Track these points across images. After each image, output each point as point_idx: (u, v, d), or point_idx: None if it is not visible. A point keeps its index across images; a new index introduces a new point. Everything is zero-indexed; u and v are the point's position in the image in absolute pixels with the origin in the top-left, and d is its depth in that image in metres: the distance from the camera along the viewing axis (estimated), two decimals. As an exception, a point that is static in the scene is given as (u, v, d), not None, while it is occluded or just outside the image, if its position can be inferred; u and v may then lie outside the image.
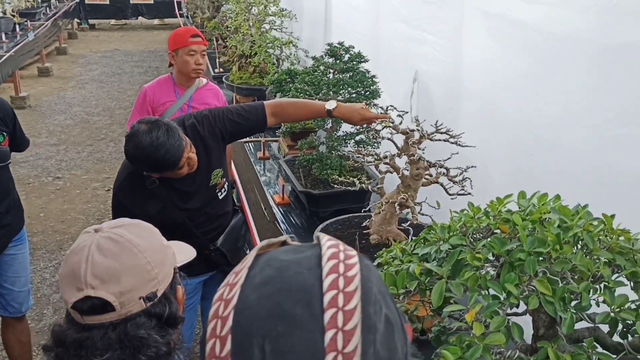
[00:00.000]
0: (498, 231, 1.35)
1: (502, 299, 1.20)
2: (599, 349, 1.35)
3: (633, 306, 1.22)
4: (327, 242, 0.67)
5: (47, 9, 13.04)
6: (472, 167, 2.41)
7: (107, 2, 16.60)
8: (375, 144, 3.23)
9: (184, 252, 1.39)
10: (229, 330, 0.61)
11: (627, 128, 1.94)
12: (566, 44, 2.20)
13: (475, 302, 1.19)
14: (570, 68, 2.20)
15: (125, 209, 2.44)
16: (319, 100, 3.08)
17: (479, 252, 1.25)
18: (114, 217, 2.54)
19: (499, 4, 2.55)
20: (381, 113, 2.55)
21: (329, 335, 0.58)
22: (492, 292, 1.23)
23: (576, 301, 1.18)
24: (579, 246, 1.25)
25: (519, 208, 1.36)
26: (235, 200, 3.25)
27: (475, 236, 1.34)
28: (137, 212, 2.45)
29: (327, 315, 0.59)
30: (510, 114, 2.58)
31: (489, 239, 1.28)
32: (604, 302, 1.18)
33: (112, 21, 17.28)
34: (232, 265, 2.81)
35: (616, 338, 1.30)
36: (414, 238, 1.60)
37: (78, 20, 16.35)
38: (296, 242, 0.73)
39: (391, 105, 2.49)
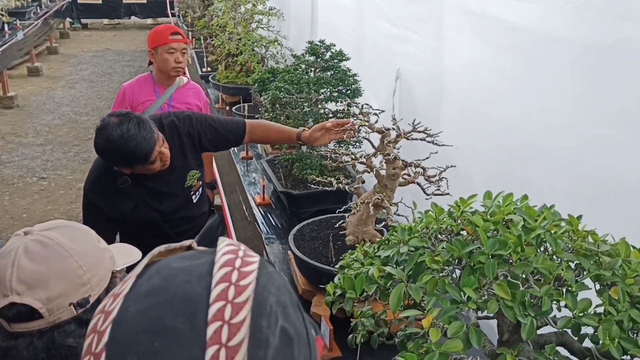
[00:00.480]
0: (465, 233, 1.30)
1: (460, 302, 1.14)
2: (567, 354, 1.30)
3: (599, 310, 1.17)
4: (225, 247, 0.61)
5: (38, 8, 12.98)
6: (451, 166, 2.37)
7: (100, 2, 16.56)
8: (357, 144, 3.18)
9: (127, 255, 1.33)
10: (104, 346, 0.55)
11: (607, 128, 1.89)
12: (546, 43, 2.15)
13: (433, 307, 1.14)
14: (550, 68, 2.16)
15: (96, 209, 2.38)
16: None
17: (438, 254, 1.20)
18: (85, 218, 2.47)
19: (480, 1, 2.51)
20: (355, 116, 2.50)
21: (210, 352, 0.53)
22: (452, 296, 1.18)
23: (536, 304, 1.13)
24: (542, 248, 1.20)
25: (484, 209, 1.31)
26: (212, 201, 3.19)
27: (439, 238, 1.29)
28: (109, 212, 2.39)
29: (210, 330, 0.54)
30: (491, 113, 2.53)
31: (448, 241, 1.23)
32: (566, 306, 1.13)
33: (105, 21, 17.21)
34: None
35: (588, 343, 1.26)
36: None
37: (70, 20, 16.27)
38: (201, 248, 0.67)
39: (366, 104, 2.44)
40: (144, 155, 2.17)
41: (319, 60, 3.25)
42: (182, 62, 3.28)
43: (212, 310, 0.54)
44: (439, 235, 1.32)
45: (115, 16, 16.88)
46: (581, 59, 1.98)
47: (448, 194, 2.32)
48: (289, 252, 2.72)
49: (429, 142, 2.33)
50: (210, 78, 5.76)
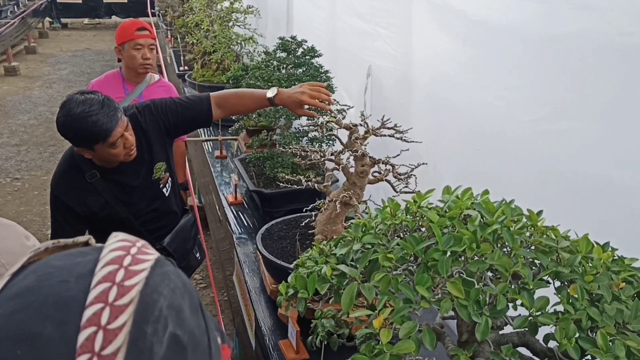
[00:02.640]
0: (398, 221, 1.24)
1: (413, 301, 1.09)
2: (528, 354, 1.25)
3: (559, 308, 1.12)
4: (115, 244, 0.54)
5: (15, 7, 12.78)
6: (423, 164, 2.32)
7: (80, 1, 16.35)
8: (330, 142, 3.13)
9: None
10: None
11: (572, 122, 1.86)
12: (510, 35, 2.11)
13: (384, 307, 1.09)
14: (514, 61, 2.12)
15: (64, 206, 2.30)
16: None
17: (391, 251, 1.15)
18: (53, 217, 2.38)
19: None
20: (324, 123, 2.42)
21: None
22: (405, 295, 1.13)
23: (491, 303, 1.08)
24: (500, 245, 1.15)
25: (442, 204, 1.26)
26: (186, 202, 3.11)
27: (392, 232, 1.24)
28: (77, 208, 2.31)
29: (82, 336, 0.47)
30: (458, 108, 2.49)
31: (404, 238, 1.18)
32: (522, 305, 1.08)
33: (85, 20, 17.01)
34: (179, 268, 2.70)
35: (553, 343, 1.21)
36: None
37: (50, 19, 16.07)
38: (98, 245, 0.60)
39: (335, 100, 2.38)
40: (104, 132, 2.08)
41: (290, 56, 3.19)
42: (149, 58, 3.19)
43: (87, 313, 0.48)
44: (397, 232, 1.27)
45: (95, 16, 16.68)
46: (545, 51, 1.94)
47: (418, 191, 2.27)
48: (259, 252, 2.67)
49: (397, 138, 2.29)
50: (186, 77, 5.68)
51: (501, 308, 1.05)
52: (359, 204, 2.27)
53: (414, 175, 2.23)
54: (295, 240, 2.40)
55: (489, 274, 1.13)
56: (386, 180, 2.35)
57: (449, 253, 1.11)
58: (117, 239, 0.55)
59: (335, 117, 2.30)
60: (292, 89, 2.41)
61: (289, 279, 1.33)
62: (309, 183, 2.49)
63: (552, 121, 1.89)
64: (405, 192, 2.28)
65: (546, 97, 1.94)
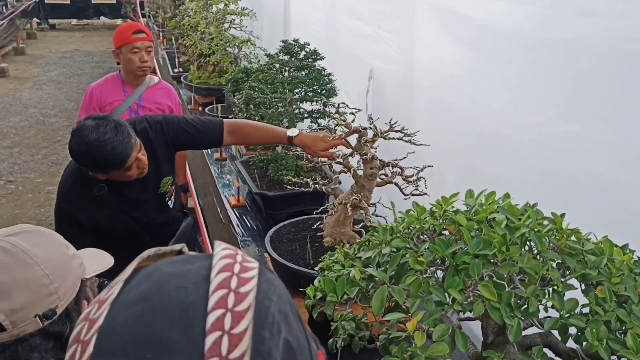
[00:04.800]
0: (447, 232, 1.26)
1: (446, 305, 1.11)
2: (552, 355, 1.28)
3: (585, 310, 1.14)
4: (222, 252, 0.57)
5: (4, 8, 12.67)
6: (428, 166, 2.35)
7: (68, 2, 16.24)
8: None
9: (98, 261, 1.25)
10: (89, 357, 0.50)
11: (573, 125, 1.89)
12: (515, 40, 2.14)
13: (418, 309, 1.11)
14: (517, 64, 2.15)
15: (71, 219, 2.30)
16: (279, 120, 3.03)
17: (421, 255, 1.16)
18: (58, 229, 2.37)
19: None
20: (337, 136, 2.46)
21: None
22: (436, 298, 1.15)
23: (524, 306, 1.10)
24: (527, 247, 1.17)
25: (466, 207, 1.28)
26: (185, 204, 3.11)
27: (421, 238, 1.26)
28: (85, 221, 2.31)
29: (209, 341, 0.49)
30: (462, 111, 2.52)
31: (431, 241, 1.19)
32: (552, 307, 1.10)
33: (74, 21, 16.89)
34: None
35: (572, 343, 1.23)
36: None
37: (38, 20, 15.94)
38: (193, 252, 0.62)
39: (343, 103, 2.40)
40: (120, 160, 2.10)
41: (293, 59, 3.20)
42: (147, 60, 3.19)
43: (211, 319, 0.50)
44: (422, 236, 1.29)
45: (83, 16, 16.58)
46: (550, 55, 1.98)
47: (425, 193, 2.30)
48: (265, 254, 2.67)
49: (406, 141, 2.31)
50: (182, 79, 5.67)
51: (533, 310, 1.07)
52: (369, 206, 2.29)
53: (423, 178, 2.25)
54: (305, 243, 2.41)
55: (518, 276, 1.15)
56: (394, 183, 2.37)
57: (479, 256, 1.13)
58: (222, 248, 0.57)
59: (344, 121, 2.32)
60: (315, 134, 2.50)
61: (316, 282, 1.34)
62: (316, 186, 2.51)
63: (556, 124, 1.93)
64: (414, 195, 2.31)
65: (551, 101, 1.97)
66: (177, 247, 0.62)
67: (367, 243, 1.41)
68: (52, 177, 6.19)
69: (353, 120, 2.36)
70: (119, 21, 16.52)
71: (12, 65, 11.26)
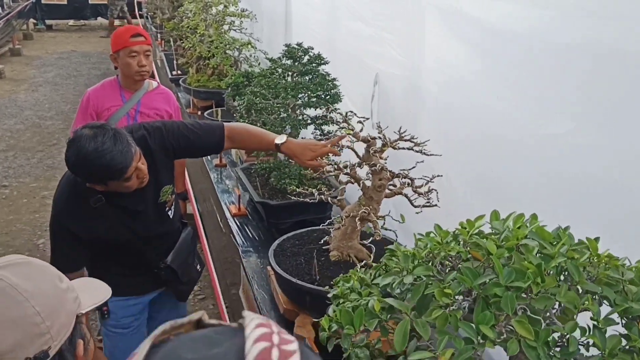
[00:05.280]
0: (453, 252, 1.16)
1: (476, 342, 1.01)
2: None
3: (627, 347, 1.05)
4: (255, 331, 0.47)
5: (0, 8, 12.54)
6: (438, 176, 2.25)
7: (65, 2, 16.10)
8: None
9: (95, 292, 1.15)
10: None
11: (588, 133, 1.81)
12: (524, 43, 2.06)
13: (446, 347, 1.01)
14: (529, 69, 2.06)
15: (69, 233, 2.21)
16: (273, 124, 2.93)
17: (447, 286, 1.07)
18: (54, 242, 2.27)
19: (456, 1, 2.40)
20: (335, 136, 2.35)
21: None
22: (463, 333, 1.05)
23: (560, 343, 1.01)
24: (562, 277, 1.07)
25: (492, 230, 1.19)
26: (185, 212, 3.00)
27: (444, 262, 1.16)
28: (82, 235, 2.22)
29: None
30: (471, 117, 2.43)
31: (457, 270, 1.10)
32: (593, 344, 1.01)
33: (71, 22, 16.76)
34: (182, 283, 2.58)
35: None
36: (374, 264, 1.41)
37: (34, 21, 15.80)
38: (214, 321, 0.52)
39: (351, 111, 2.30)
40: (119, 170, 2.00)
41: (296, 64, 3.10)
42: (146, 65, 3.09)
43: None
44: (446, 262, 1.19)
45: (81, 17, 16.44)
46: (564, 59, 1.89)
47: (436, 205, 2.21)
48: (269, 268, 2.58)
49: (417, 151, 2.21)
50: (180, 81, 5.56)
51: (573, 350, 0.97)
52: (377, 219, 2.20)
53: (435, 190, 2.16)
54: (310, 257, 2.31)
55: (554, 310, 1.05)
56: (403, 194, 2.28)
57: (510, 288, 1.03)
58: (254, 324, 0.47)
59: (353, 130, 2.22)
60: (302, 141, 2.38)
61: (330, 311, 1.24)
62: (322, 197, 2.41)
63: (570, 129, 1.86)
64: (425, 207, 2.21)
65: (564, 106, 1.90)
66: (195, 316, 0.52)
67: (383, 268, 1.31)
68: (48, 182, 6.08)
69: (361, 130, 2.26)
70: (116, 22, 16.42)
71: (8, 67, 11.13)
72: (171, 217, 2.45)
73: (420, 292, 1.10)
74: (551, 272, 1.06)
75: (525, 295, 1.04)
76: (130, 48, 3.03)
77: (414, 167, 2.28)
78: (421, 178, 2.22)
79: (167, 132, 2.30)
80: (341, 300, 1.24)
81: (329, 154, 2.35)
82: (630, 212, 1.66)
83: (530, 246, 1.11)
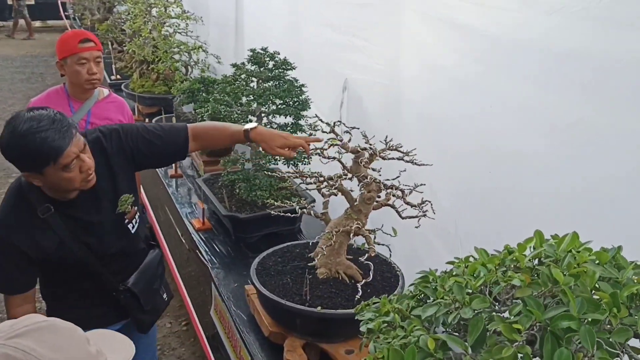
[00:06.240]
0: (517, 282, 1.07)
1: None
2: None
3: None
4: None
5: None
6: (421, 184, 2.17)
7: (-20, 2, 15.18)
8: (306, 161, 2.93)
9: (118, 350, 0.98)
10: None
11: (575, 138, 1.80)
12: (516, 51, 2.02)
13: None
14: (519, 77, 2.03)
15: (14, 250, 1.96)
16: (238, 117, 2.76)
17: (515, 321, 0.97)
18: None
19: (440, 6, 2.33)
20: (310, 135, 2.24)
21: None
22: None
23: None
24: (634, 306, 1.00)
25: (544, 256, 1.10)
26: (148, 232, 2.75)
27: (500, 292, 1.07)
28: (28, 250, 1.98)
29: None
30: (455, 126, 2.37)
31: (522, 301, 1.00)
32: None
33: (-13, 23, 15.81)
34: (145, 312, 2.35)
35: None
36: (368, 279, 1.30)
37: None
38: None
39: (316, 116, 2.18)
40: (55, 150, 1.80)
41: (262, 69, 2.96)
42: (96, 72, 2.86)
43: None
44: (493, 288, 1.10)
45: (0, 19, 15.54)
46: (558, 67, 1.86)
47: (425, 215, 2.13)
48: (247, 287, 2.43)
49: (407, 161, 2.13)
50: (123, 87, 5.28)
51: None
52: (371, 234, 2.09)
53: (429, 201, 2.08)
54: (296, 275, 2.18)
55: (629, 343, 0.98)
56: (390, 206, 2.18)
57: (583, 320, 0.95)
58: None
59: (341, 140, 2.11)
60: (275, 130, 2.27)
61: (371, 348, 1.12)
62: (304, 210, 2.29)
63: (558, 138, 1.85)
64: (410, 218, 2.13)
65: (554, 114, 1.87)
66: None
67: (419, 296, 1.21)
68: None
69: (349, 140, 2.15)
70: (37, 23, 15.59)
71: None
72: (132, 232, 2.23)
73: (480, 327, 1.00)
74: (624, 302, 0.98)
75: (601, 331, 0.96)
76: (79, 55, 2.80)
77: (398, 177, 2.19)
78: (404, 187, 2.14)
79: (125, 134, 2.11)
80: (382, 337, 1.12)
81: (301, 148, 2.19)
82: (620, 225, 1.65)
83: (589, 271, 1.03)
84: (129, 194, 2.16)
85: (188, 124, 2.21)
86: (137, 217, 2.24)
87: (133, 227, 2.22)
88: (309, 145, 2.18)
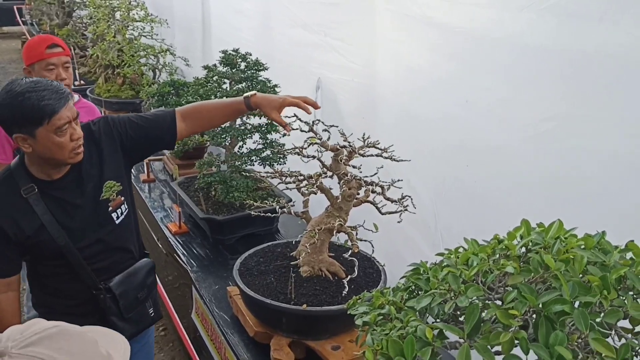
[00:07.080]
0: (510, 269, 1.10)
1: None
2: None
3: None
4: None
5: None
6: (398, 180, 2.21)
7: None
8: (281, 160, 2.94)
9: (117, 347, 0.96)
10: None
11: (554, 131, 1.85)
12: (493, 47, 2.06)
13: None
14: (497, 73, 2.07)
15: None
16: None
17: (510, 307, 1.00)
18: None
19: (415, 5, 2.37)
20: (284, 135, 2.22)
21: None
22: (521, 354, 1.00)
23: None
24: (622, 288, 1.04)
25: (533, 243, 1.14)
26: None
27: (494, 281, 1.10)
28: (8, 229, 1.94)
29: None
30: (433, 122, 2.41)
31: (516, 289, 1.04)
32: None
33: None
34: (123, 319, 2.26)
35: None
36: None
37: None
38: None
39: (295, 115, 2.19)
40: (50, 109, 1.81)
41: (234, 70, 2.95)
42: (65, 78, 2.79)
43: None
44: (486, 277, 1.13)
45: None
46: (533, 62, 1.91)
47: (406, 210, 2.16)
48: (229, 289, 2.42)
49: (386, 157, 2.15)
50: (88, 92, 5.18)
51: (653, 363, 0.94)
52: (353, 230, 2.11)
53: (409, 197, 2.11)
54: (280, 275, 2.19)
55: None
56: (370, 202, 2.21)
57: (576, 304, 0.99)
58: None
59: (320, 139, 2.12)
60: (272, 95, 2.24)
61: (368, 340, 1.14)
62: (284, 209, 2.30)
63: (537, 132, 1.89)
64: (389, 213, 2.16)
65: (531, 109, 1.92)
66: None
67: (412, 288, 1.23)
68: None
69: (328, 138, 2.17)
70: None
71: None
72: (117, 222, 2.16)
73: (477, 315, 1.03)
74: (613, 285, 1.02)
75: (593, 312, 1.00)
76: (47, 60, 2.74)
77: (376, 174, 2.22)
78: (387, 183, 2.17)
79: (113, 120, 2.09)
80: (379, 329, 1.14)
81: (297, 107, 2.16)
82: (597, 214, 1.69)
83: (578, 256, 1.07)
84: (115, 181, 2.11)
85: (176, 108, 2.19)
86: (124, 209, 2.16)
87: (118, 217, 2.13)
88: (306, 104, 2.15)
